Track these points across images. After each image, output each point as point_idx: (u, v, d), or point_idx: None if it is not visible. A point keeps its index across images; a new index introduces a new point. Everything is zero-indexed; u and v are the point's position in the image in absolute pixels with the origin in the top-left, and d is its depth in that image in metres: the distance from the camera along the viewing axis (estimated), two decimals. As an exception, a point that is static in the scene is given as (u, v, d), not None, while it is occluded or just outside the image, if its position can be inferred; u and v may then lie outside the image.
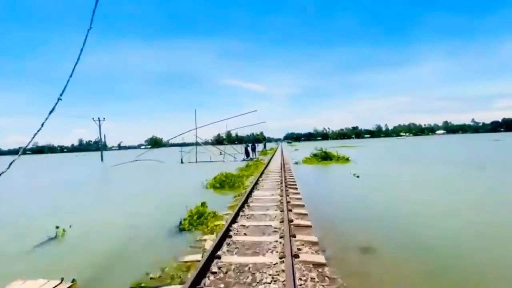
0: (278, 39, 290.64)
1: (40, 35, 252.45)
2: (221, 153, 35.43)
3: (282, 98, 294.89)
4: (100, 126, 49.27)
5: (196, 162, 31.45)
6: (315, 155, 26.57)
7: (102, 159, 49.17)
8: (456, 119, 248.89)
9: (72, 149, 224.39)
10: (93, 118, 48.75)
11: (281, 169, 18.89)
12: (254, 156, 33.08)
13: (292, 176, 16.00)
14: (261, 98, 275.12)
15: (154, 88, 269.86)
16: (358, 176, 14.95)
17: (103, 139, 49.36)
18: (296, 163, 24.48)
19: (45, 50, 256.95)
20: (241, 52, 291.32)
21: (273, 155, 35.92)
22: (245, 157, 32.26)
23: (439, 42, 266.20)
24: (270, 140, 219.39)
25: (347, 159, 24.98)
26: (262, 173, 17.18)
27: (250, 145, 34.49)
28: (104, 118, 49.14)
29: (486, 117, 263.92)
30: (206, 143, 48.54)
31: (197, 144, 33.69)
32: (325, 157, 25.31)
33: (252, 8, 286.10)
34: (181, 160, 32.32)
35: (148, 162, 33.28)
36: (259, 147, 53.63)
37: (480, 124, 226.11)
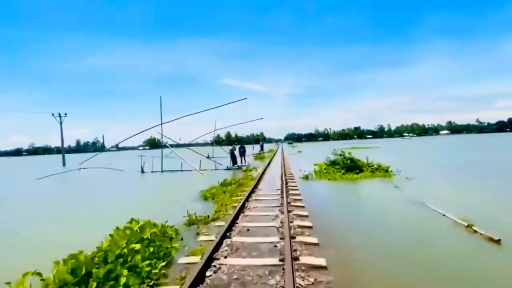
0: (277, 39, 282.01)
1: (39, 35, 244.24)
2: (208, 157, 25.78)
3: (282, 98, 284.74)
4: (61, 123, 39.77)
5: (162, 171, 21.96)
6: (333, 163, 16.89)
7: (64, 164, 39.58)
8: (457, 119, 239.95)
9: (69, 150, 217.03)
10: (52, 114, 39.22)
11: (281, 192, 9.46)
12: (243, 163, 23.51)
13: (306, 216, 6.55)
14: (261, 98, 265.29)
15: (153, 89, 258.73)
16: (498, 241, 5.27)
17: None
18: (306, 177, 14.81)
19: (44, 50, 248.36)
20: (241, 52, 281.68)
21: (270, 161, 26.36)
22: (231, 164, 22.70)
23: (440, 42, 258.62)
24: (270, 140, 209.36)
25: (387, 171, 15.31)
26: (242, 206, 7.74)
27: (237, 147, 24.81)
28: (66, 114, 39.62)
29: (487, 117, 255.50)
30: (190, 144, 39.28)
31: (163, 146, 23.99)
32: (351, 166, 15.59)
33: (252, 7, 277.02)
34: (142, 168, 22.76)
35: (101, 172, 23.74)
36: (255, 149, 43.55)
37: (485, 124, 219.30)
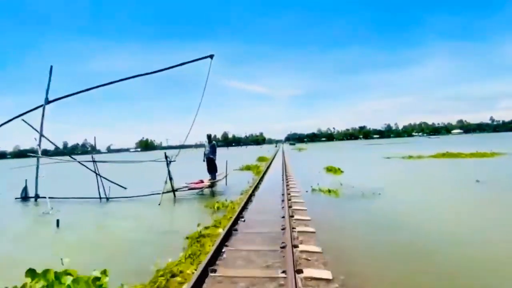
0: (279, 41, 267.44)
1: (31, 38, 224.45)
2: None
3: (284, 99, 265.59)
4: None
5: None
6: None
7: None
8: (465, 119, 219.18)
9: (55, 153, 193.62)
10: None
11: None
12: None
13: None
14: (263, 99, 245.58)
15: (153, 91, 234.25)
16: None
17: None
18: None
19: (43, 54, 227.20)
20: (243, 54, 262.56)
21: None
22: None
23: (441, 43, 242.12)
24: (270, 141, 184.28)
25: None
26: None
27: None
28: None
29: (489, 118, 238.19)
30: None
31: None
32: None
33: (254, 10, 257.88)
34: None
35: None
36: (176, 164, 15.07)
37: (500, 122, 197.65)
